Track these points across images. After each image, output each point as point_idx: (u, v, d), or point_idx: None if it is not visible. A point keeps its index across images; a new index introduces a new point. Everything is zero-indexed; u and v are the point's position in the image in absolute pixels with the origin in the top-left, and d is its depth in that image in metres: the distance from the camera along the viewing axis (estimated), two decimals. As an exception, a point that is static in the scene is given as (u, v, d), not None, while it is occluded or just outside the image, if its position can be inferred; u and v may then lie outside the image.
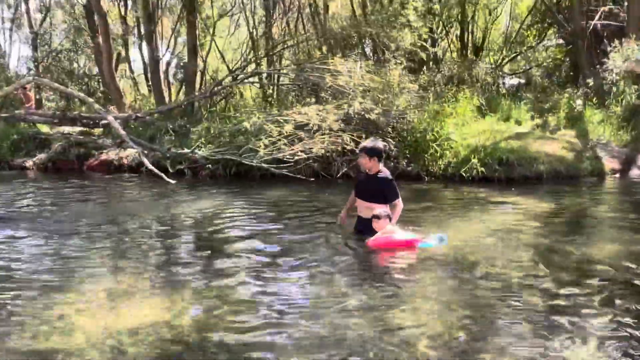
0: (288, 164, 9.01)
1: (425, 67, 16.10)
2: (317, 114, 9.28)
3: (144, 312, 3.47)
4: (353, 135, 8.99)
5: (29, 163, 12.05)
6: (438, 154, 9.34)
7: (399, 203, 5.12)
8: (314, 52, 15.47)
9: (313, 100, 11.33)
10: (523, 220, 6.07)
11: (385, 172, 5.23)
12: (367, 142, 5.39)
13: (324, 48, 13.66)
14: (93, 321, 3.32)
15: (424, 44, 14.35)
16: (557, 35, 18.72)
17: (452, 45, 19.96)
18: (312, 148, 8.95)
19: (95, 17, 15.40)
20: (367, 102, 9.63)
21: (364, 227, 5.11)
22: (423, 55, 13.87)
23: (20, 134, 13.01)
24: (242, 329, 3.22)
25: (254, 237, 5.53)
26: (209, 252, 4.99)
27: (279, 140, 9.22)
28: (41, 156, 12.08)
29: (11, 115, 13.63)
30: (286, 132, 9.13)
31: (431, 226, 5.79)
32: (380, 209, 4.95)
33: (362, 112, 9.43)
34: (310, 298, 3.75)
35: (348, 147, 9.02)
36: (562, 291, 3.70)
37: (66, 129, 13.63)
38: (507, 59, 20.12)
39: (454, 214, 6.66)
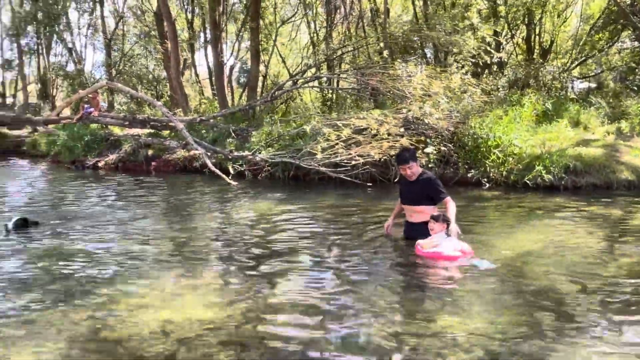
0: (345, 168, 9.06)
1: (488, 71, 15.71)
2: (376, 119, 9.28)
3: (200, 307, 3.61)
4: (412, 140, 8.91)
5: (101, 163, 12.78)
6: (500, 160, 9.08)
7: (450, 201, 4.93)
8: (374, 57, 15.48)
9: (372, 104, 11.34)
10: (586, 231, 5.80)
11: (427, 173, 5.14)
12: (399, 154, 5.29)
13: (385, 52, 13.60)
14: (155, 314, 3.50)
15: (488, 47, 14.02)
16: (631, 37, 17.72)
17: (517, 48, 19.35)
18: (370, 152, 8.96)
19: (165, 23, 16.11)
20: (427, 107, 9.53)
21: (414, 232, 5.05)
22: (487, 58, 13.54)
23: (93, 135, 13.80)
24: (288, 329, 3.29)
25: (306, 239, 5.62)
26: (262, 251, 5.12)
27: (337, 144, 9.29)
28: (112, 156, 12.78)
29: (85, 117, 14.52)
30: (345, 136, 9.18)
31: (488, 234, 5.66)
32: (436, 212, 4.84)
33: (421, 117, 9.34)
34: (355, 301, 3.76)
35: (406, 152, 8.94)
36: (620, 306, 3.52)
37: (136, 131, 14.34)
38: (576, 62, 19.27)
39: (513, 221, 6.47)
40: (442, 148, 9.42)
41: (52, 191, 9.91)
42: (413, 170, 5.04)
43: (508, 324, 3.27)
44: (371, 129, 9.37)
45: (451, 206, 4.90)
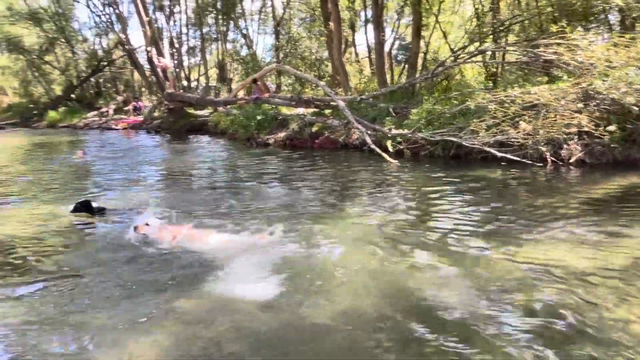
0: (512, 147, 8.58)
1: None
2: (550, 94, 8.58)
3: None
4: (592, 117, 8.08)
5: (271, 140, 13.83)
6: None
7: None
8: (548, 26, 14.19)
9: (545, 78, 10.47)
10: None
11: None
12: None
13: (563, 21, 12.38)
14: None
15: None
16: None
17: None
18: (540, 130, 8.35)
19: (329, 5, 16.60)
20: (611, 80, 8.53)
21: None
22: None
23: (264, 115, 14.95)
24: (438, 307, 3.30)
25: (461, 221, 5.47)
26: (419, 229, 5.15)
27: (503, 121, 8.82)
28: (281, 134, 13.75)
29: (252, 101, 15.80)
30: (512, 113, 8.67)
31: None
32: None
33: (605, 91, 8.40)
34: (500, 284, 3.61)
35: (585, 130, 8.16)
36: None
37: (301, 110, 15.19)
38: None
39: None
40: (628, 126, 8.38)
41: (224, 164, 11.09)
42: None
43: None
44: (543, 105, 8.71)
45: None
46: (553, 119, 8.42)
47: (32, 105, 32.33)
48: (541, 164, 8.41)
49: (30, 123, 29.06)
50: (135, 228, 4.91)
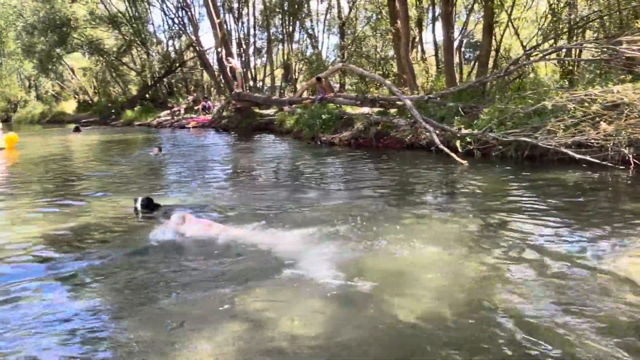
0: (592, 148, 8.15)
1: None
2: (634, 92, 8.09)
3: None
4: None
5: (336, 139, 13.88)
6: None
7: None
8: (630, 22, 13.36)
9: (628, 77, 9.86)
10: None
11: None
12: None
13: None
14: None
15: None
16: None
17: None
18: (623, 131, 7.89)
19: (396, 3, 16.41)
20: None
21: None
22: None
23: (329, 114, 15.03)
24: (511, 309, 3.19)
25: (536, 223, 5.22)
26: (493, 231, 4.98)
27: (583, 121, 8.40)
28: (346, 133, 13.77)
29: (318, 101, 15.92)
30: (592, 113, 8.24)
31: None
32: None
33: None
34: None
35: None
36: None
37: (365, 109, 15.15)
38: None
39: None
40: None
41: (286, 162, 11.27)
42: None
43: None
44: (626, 105, 8.22)
45: None
46: (637, 119, 7.94)
47: (110, 105, 34.22)
48: (623, 167, 7.93)
49: (109, 121, 30.84)
50: (172, 222, 5.11)
